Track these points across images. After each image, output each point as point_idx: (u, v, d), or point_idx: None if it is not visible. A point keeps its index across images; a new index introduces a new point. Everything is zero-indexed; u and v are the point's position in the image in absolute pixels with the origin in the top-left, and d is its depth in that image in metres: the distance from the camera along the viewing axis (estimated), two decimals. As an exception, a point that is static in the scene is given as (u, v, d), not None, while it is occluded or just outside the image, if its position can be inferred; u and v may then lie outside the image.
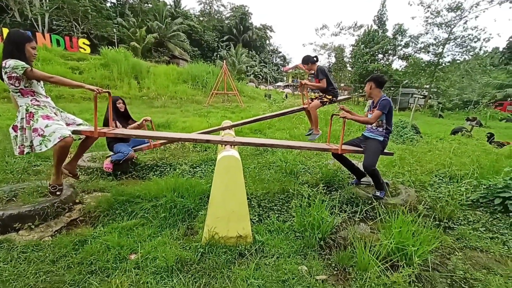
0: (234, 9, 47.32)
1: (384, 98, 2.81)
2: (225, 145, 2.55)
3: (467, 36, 20.63)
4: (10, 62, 2.08)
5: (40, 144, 2.16)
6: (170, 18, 32.95)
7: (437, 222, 2.50)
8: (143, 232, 2.16)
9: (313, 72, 3.78)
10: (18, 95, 2.21)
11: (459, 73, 21.06)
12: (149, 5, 34.07)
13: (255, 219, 2.45)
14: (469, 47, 21.04)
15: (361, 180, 3.26)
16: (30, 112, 2.21)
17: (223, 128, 3.85)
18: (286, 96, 24.24)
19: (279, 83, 45.52)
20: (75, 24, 23.56)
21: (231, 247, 2.03)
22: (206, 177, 3.42)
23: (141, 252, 1.90)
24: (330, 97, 3.75)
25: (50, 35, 16.29)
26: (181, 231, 2.22)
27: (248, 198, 2.33)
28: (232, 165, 2.03)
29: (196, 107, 12.42)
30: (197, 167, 3.89)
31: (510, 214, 2.66)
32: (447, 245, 2.22)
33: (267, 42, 54.51)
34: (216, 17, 49.48)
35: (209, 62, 25.79)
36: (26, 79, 2.18)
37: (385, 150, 3.03)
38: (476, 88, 25.01)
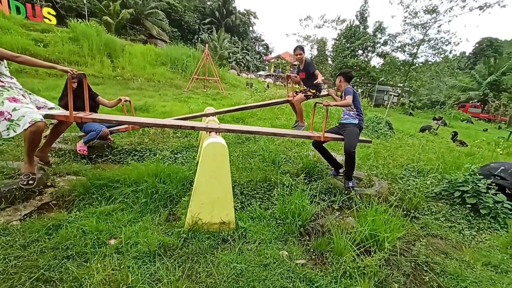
0: (217, -10, 45.34)
1: (348, 87, 3.13)
2: (210, 132, 2.52)
3: (439, 39, 21.86)
4: None
5: (8, 129, 1.96)
6: (148, -6, 30.78)
7: (405, 212, 2.73)
8: (123, 217, 2.11)
9: (296, 63, 3.82)
10: None
11: (429, 74, 22.37)
12: (125, -23, 31.46)
13: (238, 206, 2.49)
14: (440, 50, 22.35)
15: (339, 171, 3.41)
16: None
17: (207, 115, 3.78)
18: (268, 86, 24.18)
19: (261, 72, 45.18)
20: (39, -10, 21.15)
21: (214, 233, 2.06)
22: (188, 164, 3.37)
23: (121, 237, 1.86)
24: (314, 91, 3.82)
25: (8, 0, 14.49)
26: (163, 216, 2.20)
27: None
28: (218, 152, 2.02)
29: (175, 91, 11.95)
30: (178, 153, 3.81)
31: (467, 205, 2.97)
32: (413, 232, 2.44)
33: (250, 28, 53.32)
34: (198, -3, 47.15)
35: (189, 45, 24.72)
36: None
37: (362, 138, 3.26)
38: (444, 89, 26.88)
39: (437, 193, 3.34)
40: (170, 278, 1.56)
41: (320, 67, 32.13)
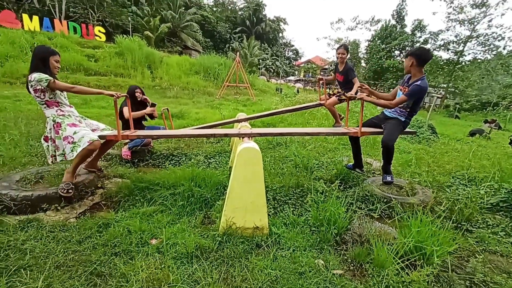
0: (247, 0, 46.63)
1: (416, 83, 2.45)
2: (243, 137, 2.57)
3: (490, 34, 19.76)
4: (35, 75, 2.17)
5: (72, 151, 2.26)
6: (183, 8, 32.82)
7: (456, 224, 2.46)
8: (163, 218, 2.22)
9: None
10: (44, 107, 2.31)
11: (479, 72, 20.28)
12: (164, -6, 34.04)
13: (270, 212, 2.48)
14: (492, 46, 20.17)
15: (357, 169, 3.22)
16: (57, 122, 2.31)
17: (239, 121, 3.86)
18: (298, 90, 23.98)
19: (291, 77, 45.00)
20: (91, 11, 23.81)
21: (248, 237, 2.07)
22: (221, 168, 3.47)
23: (161, 237, 1.96)
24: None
25: (67, 22, 16.53)
26: (199, 219, 2.28)
27: (265, 191, 2.35)
28: (252, 156, 2.04)
29: (208, 98, 12.46)
30: (212, 158, 3.94)
31: (532, 219, 2.59)
32: (466, 247, 2.19)
33: (280, 35, 53.68)
34: (229, 7, 48.97)
35: (221, 53, 25.68)
36: (50, 91, 2.27)
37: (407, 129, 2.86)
38: (496, 89, 24.03)
39: (494, 204, 2.96)
40: (207, 280, 1.60)
41: (353, 69, 31.00)
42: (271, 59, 44.61)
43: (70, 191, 2.26)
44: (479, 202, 2.78)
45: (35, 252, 1.70)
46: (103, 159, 3.45)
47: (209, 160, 3.87)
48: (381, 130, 2.85)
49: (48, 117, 2.33)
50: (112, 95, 2.40)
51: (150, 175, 2.92)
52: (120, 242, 1.88)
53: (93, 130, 2.55)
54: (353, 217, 2.36)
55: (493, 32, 19.74)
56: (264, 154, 4.27)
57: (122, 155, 3.45)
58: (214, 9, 45.88)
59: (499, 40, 19.80)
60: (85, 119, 2.61)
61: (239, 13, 46.90)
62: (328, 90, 4.07)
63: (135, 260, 1.73)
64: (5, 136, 3.54)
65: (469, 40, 20.49)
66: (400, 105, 2.63)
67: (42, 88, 2.21)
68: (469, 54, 21.34)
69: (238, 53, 17.11)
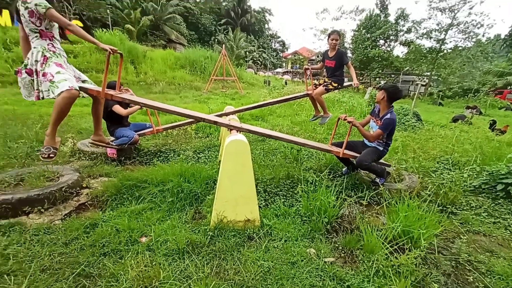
0: (232, -10, 45.62)
1: (388, 117, 2.71)
2: (231, 129, 2.54)
3: (470, 22, 20.24)
4: None
5: (48, 90, 2.08)
6: (165, 0, 31.74)
7: (441, 208, 2.55)
8: (152, 216, 2.18)
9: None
10: (36, 36, 2.12)
11: (460, 60, 20.80)
12: (144, -15, 32.78)
13: (261, 204, 2.48)
14: (472, 34, 20.69)
15: (354, 170, 3.29)
16: (45, 55, 2.12)
17: (226, 114, 3.81)
18: (286, 82, 23.94)
19: (278, 69, 44.83)
20: (67, 4, 22.60)
21: (240, 230, 2.06)
22: (210, 163, 3.43)
23: (151, 235, 1.93)
24: (336, 84, 3.70)
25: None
26: (189, 215, 2.25)
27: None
28: (240, 149, 2.02)
29: (195, 93, 12.23)
30: (201, 153, 3.89)
31: (512, 199, 2.71)
32: (451, 229, 2.28)
33: (266, 26, 53.09)
34: (213, -2, 47.81)
35: (206, 46, 25.15)
36: (47, 21, 2.09)
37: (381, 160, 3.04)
38: (477, 76, 24.82)
39: (476, 186, 3.09)
40: (199, 275, 1.59)
41: (339, 60, 31.15)
42: (258, 51, 44.18)
43: (52, 155, 2.13)
44: (463, 185, 2.89)
45: (18, 257, 1.63)
46: (87, 158, 3.34)
47: (198, 155, 3.82)
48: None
49: (35, 47, 2.14)
50: (106, 49, 2.24)
51: (137, 172, 2.85)
52: (108, 242, 1.83)
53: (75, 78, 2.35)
54: (343, 205, 2.40)
55: (472, 20, 20.22)
56: (253, 146, 4.25)
57: (108, 154, 3.35)
58: (197, 0, 44.65)
59: (478, 28, 20.33)
60: (69, 64, 2.41)
61: (223, 4, 45.84)
62: (315, 81, 4.06)
63: (125, 259, 1.69)
64: (-20, 138, 3.36)
65: (450, 28, 20.92)
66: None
67: (39, 14, 2.03)
68: (450, 42, 21.84)
69: (224, 45, 16.81)
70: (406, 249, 1.86)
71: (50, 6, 2.04)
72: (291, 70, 41.16)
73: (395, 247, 1.83)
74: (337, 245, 2.01)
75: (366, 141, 3.04)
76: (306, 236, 2.08)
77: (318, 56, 35.49)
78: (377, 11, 29.17)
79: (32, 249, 1.71)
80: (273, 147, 4.25)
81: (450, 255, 1.94)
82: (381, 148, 2.89)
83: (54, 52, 2.19)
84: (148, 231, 1.99)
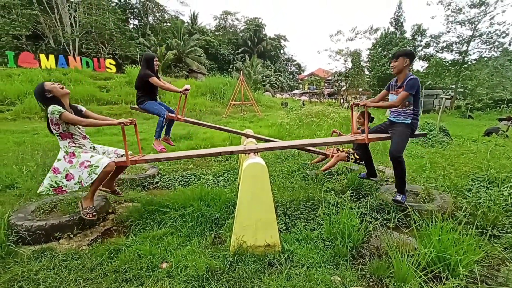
0: (248, 22, 48.49)
1: (411, 77, 2.55)
2: (249, 153, 2.57)
3: (493, 32, 19.55)
4: (50, 108, 2.24)
5: (89, 174, 2.26)
6: (187, 35, 34.38)
7: (480, 230, 2.31)
8: (173, 241, 2.20)
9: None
10: (59, 138, 2.37)
11: (487, 70, 19.83)
12: (168, 24, 36.03)
13: (282, 228, 2.41)
14: (496, 43, 19.88)
15: (371, 178, 3.14)
16: (70, 152, 2.34)
17: (247, 135, 3.85)
18: (303, 103, 24.11)
19: (295, 91, 45.47)
20: (102, 46, 25.30)
21: (260, 256, 2.01)
22: (230, 186, 3.45)
23: (171, 261, 1.93)
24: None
25: (80, 58, 17.61)
26: (209, 240, 2.24)
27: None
28: (258, 172, 2.03)
29: (215, 118, 12.67)
30: (220, 177, 3.94)
31: None
32: (494, 255, 2.04)
33: (281, 51, 55.00)
34: (231, 30, 51.00)
35: (225, 74, 26.42)
36: (64, 123, 2.32)
37: (416, 132, 2.81)
38: (508, 85, 23.37)
39: (520, 206, 2.78)
40: (219, 304, 1.55)
41: (356, 78, 31.10)
42: (275, 75, 45.41)
43: (95, 213, 2.31)
44: (503, 204, 2.62)
45: (47, 282, 1.70)
46: (114, 184, 3.51)
47: (218, 178, 3.87)
48: (389, 135, 2.80)
49: (61, 148, 2.39)
50: (120, 123, 2.43)
51: (159, 197, 2.94)
52: (130, 268, 1.86)
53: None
54: (368, 228, 2.26)
55: (496, 30, 19.53)
56: (272, 168, 4.23)
57: (158, 150, 3.46)
58: (216, 33, 47.86)
59: (503, 37, 19.54)
60: (95, 149, 2.62)
61: (240, 34, 48.65)
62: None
63: (145, 285, 1.70)
64: (23, 168, 3.68)
65: (472, 40, 20.30)
66: (402, 105, 2.65)
67: (56, 120, 2.28)
68: (474, 53, 21.08)
69: (241, 72, 17.55)
70: (443, 277, 1.69)
71: (63, 110, 2.26)
72: (308, 91, 41.58)
73: (430, 275, 1.67)
74: (364, 272, 1.87)
75: (391, 117, 2.82)
76: (330, 262, 1.97)
77: (333, 76, 35.67)
78: (392, 29, 29.27)
79: (60, 274, 1.78)
80: (292, 168, 4.20)
81: (495, 285, 1.72)
82: (409, 121, 2.64)
83: (75, 146, 2.41)
84: (169, 256, 2.00)
